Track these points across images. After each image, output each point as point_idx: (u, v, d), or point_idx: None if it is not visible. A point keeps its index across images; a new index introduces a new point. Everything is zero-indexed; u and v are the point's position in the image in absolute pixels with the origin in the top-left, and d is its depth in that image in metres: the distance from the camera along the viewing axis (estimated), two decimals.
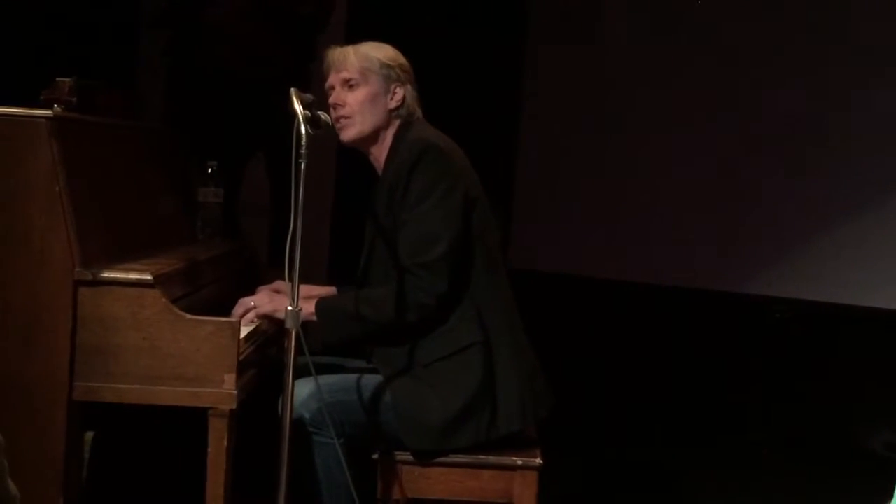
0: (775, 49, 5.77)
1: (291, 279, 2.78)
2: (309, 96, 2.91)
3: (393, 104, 3.25)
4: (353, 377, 3.15)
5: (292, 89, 2.86)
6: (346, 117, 3.23)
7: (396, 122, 3.27)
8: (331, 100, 3.25)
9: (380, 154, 3.28)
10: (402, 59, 3.29)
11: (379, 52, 3.26)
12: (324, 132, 2.98)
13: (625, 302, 6.07)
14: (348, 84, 3.23)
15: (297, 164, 2.76)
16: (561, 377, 3.57)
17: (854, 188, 5.57)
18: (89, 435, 3.27)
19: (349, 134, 3.24)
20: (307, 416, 3.02)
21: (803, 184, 5.71)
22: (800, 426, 5.41)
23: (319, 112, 2.98)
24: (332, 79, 3.26)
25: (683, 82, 6.01)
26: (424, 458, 3.11)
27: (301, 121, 2.80)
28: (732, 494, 4.66)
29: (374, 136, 3.26)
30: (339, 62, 3.25)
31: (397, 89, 3.25)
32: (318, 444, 3.04)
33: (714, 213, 5.93)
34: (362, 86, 3.23)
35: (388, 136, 3.27)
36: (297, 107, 2.82)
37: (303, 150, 2.77)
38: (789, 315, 5.69)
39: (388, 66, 3.24)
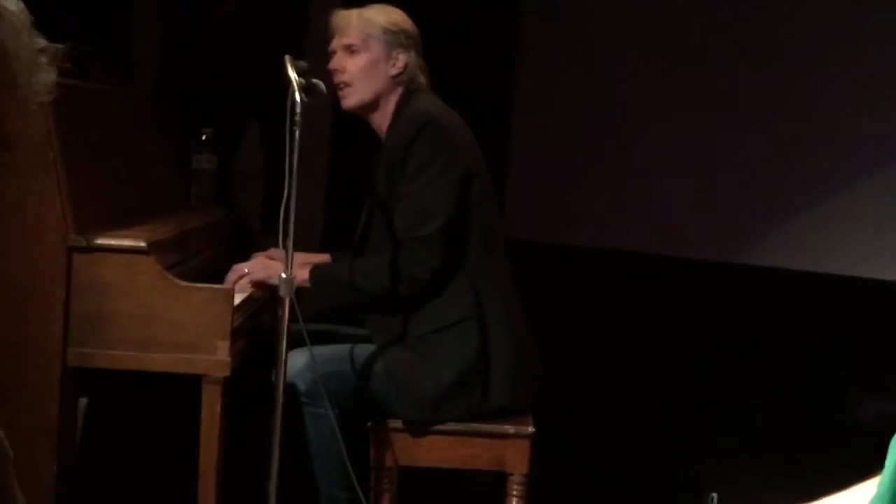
0: (769, 22, 5.76)
1: (285, 247, 2.77)
2: (303, 63, 2.89)
3: (394, 71, 3.22)
4: (346, 347, 3.15)
5: (287, 56, 2.84)
6: (347, 84, 3.21)
7: (399, 90, 3.24)
8: (331, 64, 3.23)
9: (381, 122, 3.26)
10: (406, 25, 3.25)
11: (383, 17, 3.23)
12: (318, 100, 2.96)
13: (620, 272, 6.08)
14: (349, 49, 3.21)
15: (292, 132, 2.75)
16: (555, 346, 3.58)
17: (848, 158, 5.57)
18: (83, 401, 3.28)
19: (349, 102, 3.23)
20: (302, 387, 3.02)
21: (799, 153, 5.71)
22: (791, 397, 5.43)
23: (314, 80, 2.96)
24: (335, 43, 3.24)
25: (680, 52, 6.00)
26: (417, 426, 3.12)
27: (295, 88, 2.78)
28: (725, 463, 4.68)
29: (374, 104, 3.24)
30: (341, 27, 3.23)
31: (399, 56, 3.22)
32: (312, 415, 3.04)
33: (710, 183, 5.93)
34: (363, 52, 3.21)
35: (391, 104, 3.24)
36: (292, 74, 2.80)
37: (297, 118, 2.75)
38: (781, 285, 5.71)
39: (391, 32, 3.21)
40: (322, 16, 3.36)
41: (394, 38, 3.21)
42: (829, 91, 5.60)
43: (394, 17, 3.25)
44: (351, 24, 3.22)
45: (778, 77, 5.74)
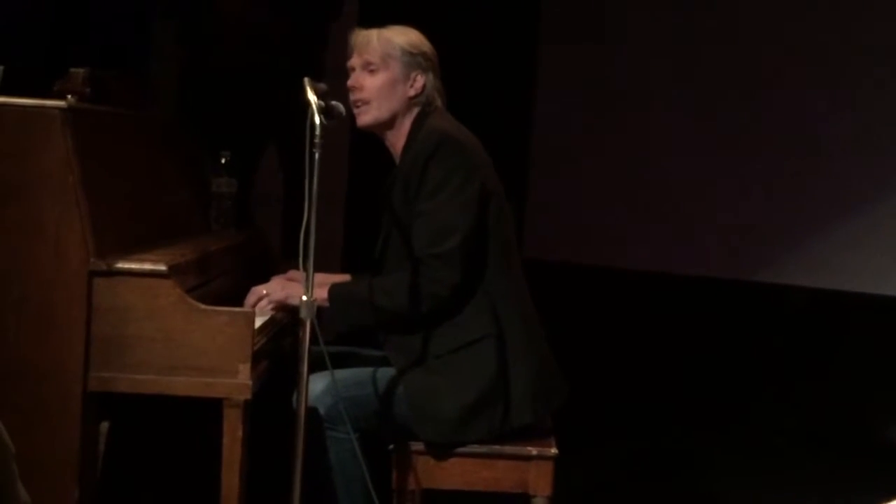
0: (785, 35, 5.76)
1: (306, 269, 2.77)
2: (323, 86, 2.89)
3: (412, 92, 3.22)
4: (367, 371, 3.13)
5: (306, 79, 2.84)
6: (364, 102, 3.21)
7: (415, 110, 3.24)
8: (349, 82, 3.24)
9: (396, 141, 3.26)
10: (425, 47, 3.25)
11: (403, 38, 3.23)
12: (337, 122, 2.96)
13: (641, 292, 6.06)
14: (368, 68, 3.22)
15: (311, 155, 2.75)
16: (576, 367, 3.56)
17: (869, 175, 5.55)
18: (104, 426, 3.28)
19: (365, 119, 3.23)
20: (322, 411, 3.01)
21: (819, 171, 5.69)
22: (816, 418, 5.40)
23: (333, 102, 2.96)
24: (354, 60, 3.25)
25: (695, 71, 6.00)
26: (439, 448, 3.10)
27: (315, 111, 2.78)
28: (747, 484, 4.65)
29: (390, 123, 3.24)
30: (361, 45, 3.24)
31: (418, 77, 3.22)
32: (333, 439, 3.03)
33: (731, 203, 5.92)
34: (382, 71, 3.21)
35: (406, 124, 3.24)
36: (311, 96, 2.80)
37: (316, 141, 2.76)
38: (805, 304, 5.68)
39: (410, 54, 3.21)
40: (341, 37, 3.36)
41: (413, 60, 3.22)
42: (852, 110, 5.58)
43: (413, 38, 3.25)
44: (371, 42, 3.22)
45: (799, 97, 5.73)
